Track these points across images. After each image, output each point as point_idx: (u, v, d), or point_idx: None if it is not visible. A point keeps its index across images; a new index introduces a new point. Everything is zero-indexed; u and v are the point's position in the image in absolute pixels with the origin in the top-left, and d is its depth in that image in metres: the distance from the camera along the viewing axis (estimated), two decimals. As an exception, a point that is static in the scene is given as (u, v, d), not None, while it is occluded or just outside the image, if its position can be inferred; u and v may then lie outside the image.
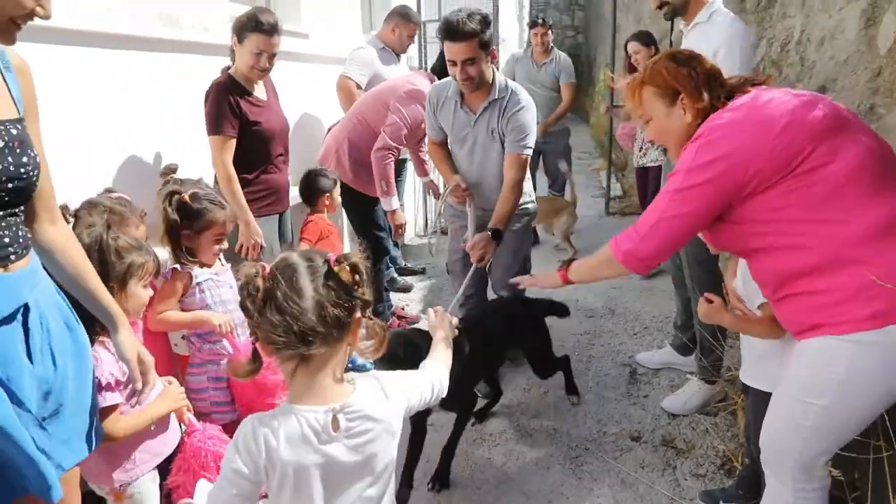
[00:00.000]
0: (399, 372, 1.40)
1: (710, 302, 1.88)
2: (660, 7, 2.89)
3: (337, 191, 3.34)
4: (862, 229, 1.47)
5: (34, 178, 1.33)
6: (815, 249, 1.51)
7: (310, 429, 1.17)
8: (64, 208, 1.96)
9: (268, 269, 1.16)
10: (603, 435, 2.80)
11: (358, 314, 1.21)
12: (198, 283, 2.18)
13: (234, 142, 2.68)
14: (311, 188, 3.29)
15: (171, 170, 2.57)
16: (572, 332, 3.77)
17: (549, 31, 5.28)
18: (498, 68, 5.13)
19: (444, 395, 1.50)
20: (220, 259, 2.30)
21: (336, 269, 1.17)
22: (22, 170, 1.28)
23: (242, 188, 2.72)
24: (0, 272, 1.26)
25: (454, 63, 2.65)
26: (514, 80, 4.98)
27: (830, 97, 1.75)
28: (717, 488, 2.33)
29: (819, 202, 1.50)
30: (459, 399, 2.38)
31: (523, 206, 2.99)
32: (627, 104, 1.91)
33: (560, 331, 3.65)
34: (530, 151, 2.85)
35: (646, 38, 4.55)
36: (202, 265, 2.21)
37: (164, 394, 1.83)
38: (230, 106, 2.66)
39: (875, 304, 1.44)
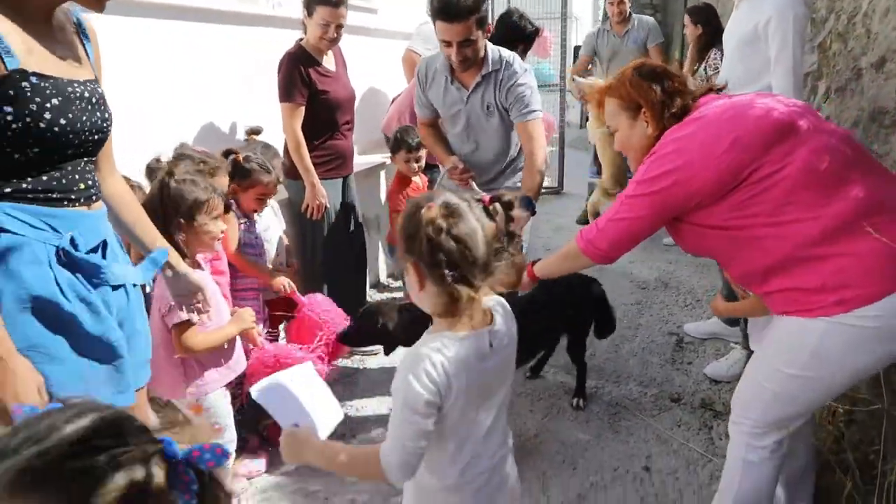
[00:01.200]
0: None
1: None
2: None
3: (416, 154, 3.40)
4: (822, 227, 1.52)
5: (109, 133, 1.51)
6: (779, 250, 1.58)
7: (473, 351, 1.25)
8: (157, 160, 2.23)
9: (433, 207, 1.20)
10: (644, 395, 2.91)
11: (510, 251, 1.27)
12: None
13: (302, 109, 2.89)
14: (397, 140, 3.42)
15: (255, 131, 2.83)
16: (623, 302, 3.85)
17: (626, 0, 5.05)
18: (569, 51, 5.13)
19: None
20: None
21: (490, 208, 1.24)
22: (104, 124, 1.46)
23: (310, 152, 2.93)
24: (86, 209, 1.43)
25: (448, 44, 2.47)
26: (592, 57, 5.19)
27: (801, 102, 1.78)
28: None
29: (778, 205, 1.56)
30: None
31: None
32: (590, 111, 1.98)
33: (610, 300, 3.73)
34: (539, 114, 2.68)
35: (696, 15, 4.44)
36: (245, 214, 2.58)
37: (237, 317, 2.08)
38: (300, 75, 2.86)
39: (842, 292, 1.51)
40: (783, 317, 1.66)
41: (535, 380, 3.09)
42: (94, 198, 1.46)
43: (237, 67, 3.15)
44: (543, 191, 6.70)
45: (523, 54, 3.66)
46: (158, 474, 0.64)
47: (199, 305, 1.78)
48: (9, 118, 1.23)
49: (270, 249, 2.80)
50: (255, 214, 2.68)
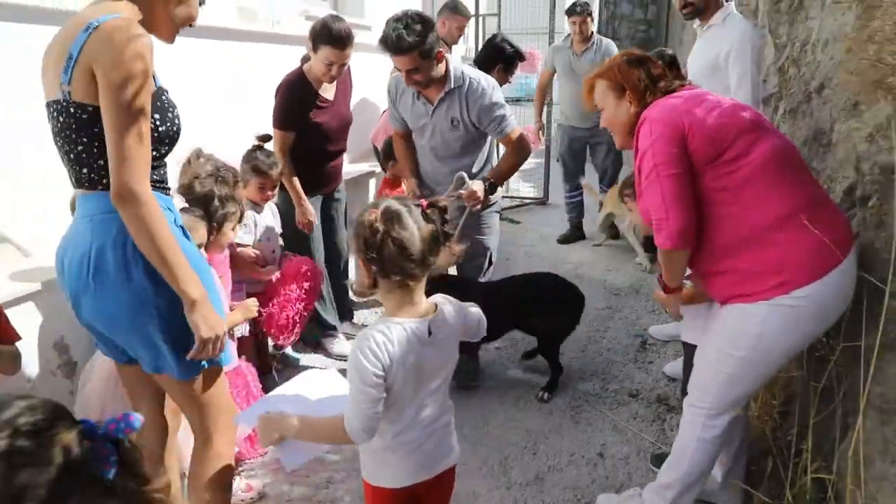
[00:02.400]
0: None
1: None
2: (683, 7, 3.17)
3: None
4: (769, 216, 1.81)
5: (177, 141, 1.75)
6: (733, 230, 1.85)
7: (413, 334, 1.46)
8: (199, 150, 2.49)
9: (380, 214, 1.43)
10: (605, 391, 3.15)
11: (444, 246, 1.51)
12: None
13: (293, 136, 3.09)
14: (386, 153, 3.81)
15: (265, 138, 3.05)
16: (595, 307, 4.09)
17: (589, 20, 5.05)
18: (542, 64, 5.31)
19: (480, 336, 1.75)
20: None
21: (428, 211, 1.48)
22: (177, 134, 1.69)
23: (299, 173, 3.14)
24: (168, 196, 1.70)
25: (399, 70, 2.78)
26: (554, 72, 5.28)
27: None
28: (665, 453, 2.60)
29: (738, 189, 1.83)
30: None
31: (494, 202, 3.09)
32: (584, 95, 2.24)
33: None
34: (513, 124, 2.93)
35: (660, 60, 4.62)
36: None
37: (242, 306, 2.36)
38: (294, 106, 3.04)
39: (781, 275, 1.80)
40: (727, 306, 1.93)
41: (511, 372, 3.34)
42: (168, 190, 1.74)
43: (236, 83, 3.39)
44: (528, 200, 7.00)
45: (505, 73, 3.92)
46: (78, 451, 0.77)
47: None
48: (157, 123, 1.55)
49: (266, 246, 3.05)
50: (257, 212, 2.98)
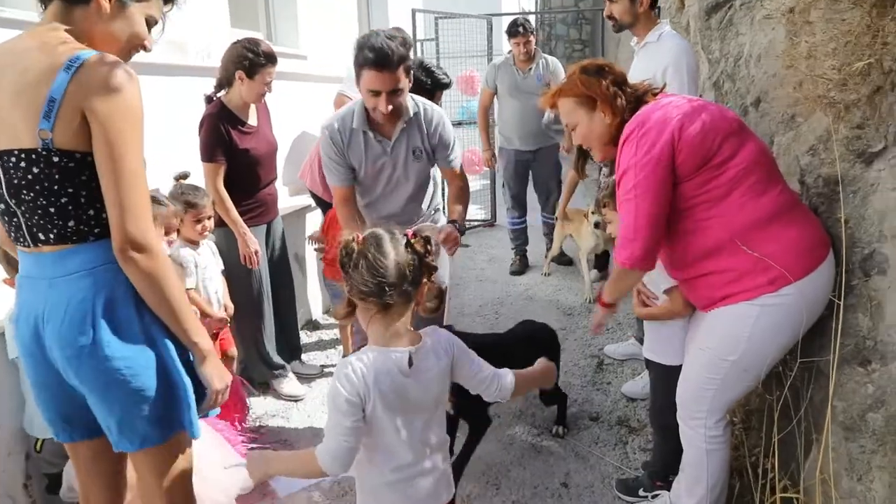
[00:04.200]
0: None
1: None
2: (610, 18, 3.19)
3: None
4: (756, 216, 1.80)
5: None
6: (719, 232, 1.84)
7: (393, 364, 1.45)
8: None
9: (361, 237, 1.44)
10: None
11: (425, 279, 1.48)
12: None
13: (223, 167, 2.99)
14: None
15: (183, 176, 2.92)
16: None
17: (532, 39, 4.90)
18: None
19: (503, 398, 1.66)
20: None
21: (413, 240, 1.45)
22: None
23: (235, 204, 3.04)
24: None
25: (377, 94, 2.39)
26: (496, 92, 5.09)
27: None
28: (631, 477, 2.57)
29: (723, 192, 1.82)
30: (476, 411, 2.52)
31: (436, 216, 2.94)
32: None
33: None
34: (460, 157, 2.84)
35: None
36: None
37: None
38: (221, 136, 2.96)
39: (769, 273, 1.79)
40: (714, 311, 1.90)
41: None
42: None
43: (168, 117, 3.23)
44: (476, 223, 6.97)
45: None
46: None
47: None
48: None
49: (209, 287, 2.90)
50: (195, 250, 2.83)
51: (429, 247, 1.48)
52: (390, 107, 2.42)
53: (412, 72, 2.53)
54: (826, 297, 1.82)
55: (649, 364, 2.39)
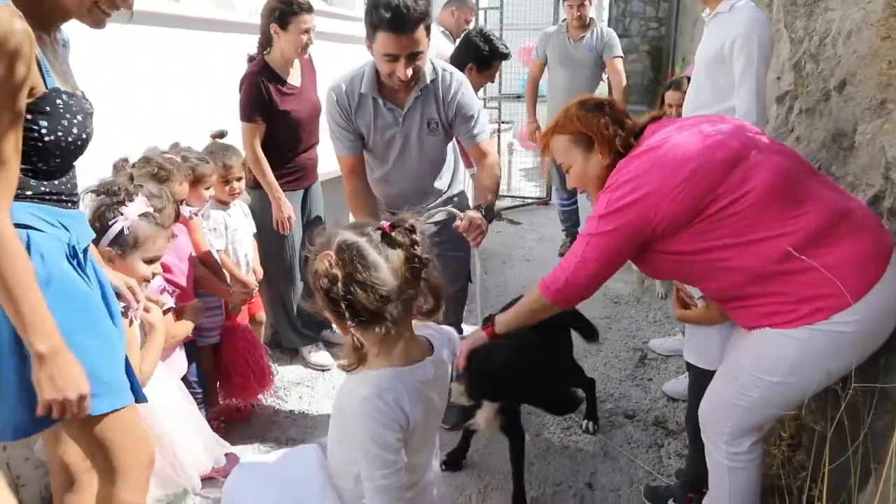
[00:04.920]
0: None
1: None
2: None
3: None
4: (789, 243, 1.56)
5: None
6: (752, 266, 1.61)
7: (419, 382, 1.28)
8: (124, 160, 2.24)
9: (334, 256, 1.19)
10: (598, 410, 2.89)
11: (424, 274, 1.26)
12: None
13: (263, 128, 2.89)
14: None
15: (220, 135, 2.84)
16: (593, 316, 3.80)
17: (587, 4, 4.50)
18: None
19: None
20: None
21: (393, 233, 1.22)
22: (93, 134, 1.49)
23: (272, 167, 2.94)
24: (76, 211, 1.49)
25: (394, 58, 2.15)
26: (546, 62, 4.80)
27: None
28: (662, 486, 2.38)
29: (742, 228, 1.59)
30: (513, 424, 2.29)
31: (457, 202, 2.66)
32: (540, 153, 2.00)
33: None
34: (487, 130, 2.55)
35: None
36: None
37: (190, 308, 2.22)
38: (261, 96, 2.85)
39: (819, 301, 1.56)
40: (759, 330, 1.68)
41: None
42: (77, 201, 1.52)
43: (213, 74, 3.15)
44: (530, 201, 6.75)
45: (479, 73, 3.54)
46: None
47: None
48: (43, 132, 1.32)
49: (238, 250, 2.83)
50: (226, 211, 2.75)
51: (414, 236, 1.24)
52: (410, 72, 2.17)
53: (430, 31, 2.25)
54: (893, 316, 1.57)
55: (689, 365, 2.19)
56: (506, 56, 3.65)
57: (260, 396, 2.90)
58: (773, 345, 1.65)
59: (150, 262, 1.85)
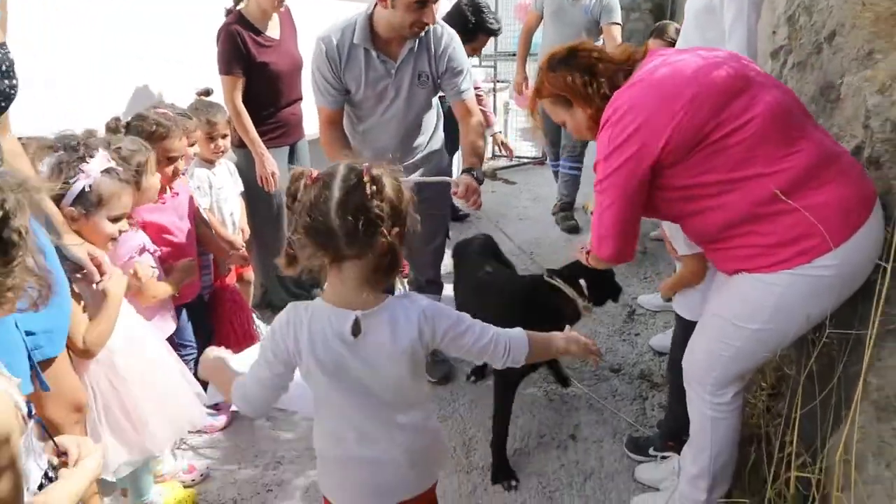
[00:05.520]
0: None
1: None
2: None
3: None
4: (782, 181, 1.54)
5: (13, 100, 1.49)
6: (740, 205, 1.59)
7: (331, 328, 1.23)
8: (117, 119, 2.22)
9: (315, 174, 1.21)
10: (584, 364, 2.93)
11: (386, 232, 1.20)
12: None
13: (242, 81, 2.86)
14: None
15: (206, 92, 2.81)
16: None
17: None
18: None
19: (516, 363, 1.42)
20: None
21: (365, 179, 1.19)
22: (12, 91, 1.46)
23: (254, 123, 2.91)
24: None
25: (424, 3, 2.21)
26: (541, 17, 4.56)
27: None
28: (643, 436, 2.42)
29: (738, 162, 1.56)
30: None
31: (437, 161, 2.69)
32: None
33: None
34: (472, 88, 2.57)
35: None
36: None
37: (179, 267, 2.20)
38: (238, 47, 2.81)
39: (802, 243, 1.55)
40: (739, 275, 1.68)
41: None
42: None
43: (192, 31, 3.10)
44: (525, 160, 6.70)
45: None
46: None
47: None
48: None
49: (224, 208, 2.83)
50: (210, 169, 2.73)
51: (374, 187, 1.18)
52: (432, 18, 2.25)
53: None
54: (871, 263, 1.57)
55: (678, 318, 2.20)
56: (493, 32, 3.55)
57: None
58: (754, 292, 1.64)
59: (116, 220, 1.80)
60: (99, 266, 1.69)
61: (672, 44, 3.52)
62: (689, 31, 2.87)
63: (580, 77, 1.75)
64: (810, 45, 2.96)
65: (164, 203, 2.27)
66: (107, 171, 1.77)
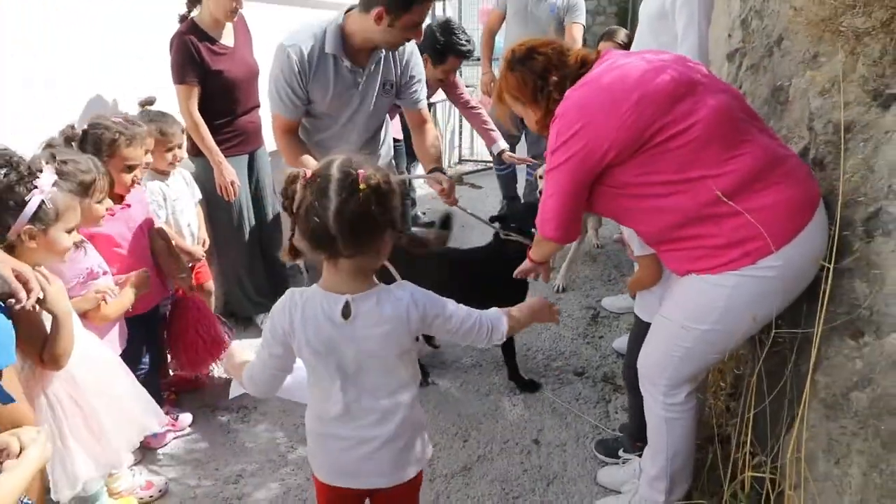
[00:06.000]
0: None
1: None
2: None
3: None
4: (726, 184, 1.57)
5: None
6: (686, 206, 1.62)
7: (322, 311, 1.31)
8: (71, 128, 2.13)
9: (309, 175, 1.26)
10: (548, 369, 2.94)
11: (385, 233, 1.29)
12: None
13: (198, 89, 2.81)
14: None
15: (148, 101, 2.75)
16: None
17: None
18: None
19: (498, 342, 1.50)
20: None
21: (362, 186, 1.22)
22: None
23: (212, 132, 2.87)
24: None
25: (420, 24, 2.24)
26: (503, 16, 4.47)
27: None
28: (612, 437, 2.44)
29: (683, 164, 1.58)
30: None
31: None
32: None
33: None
34: (425, 102, 2.65)
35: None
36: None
37: (133, 279, 2.13)
38: (191, 55, 2.76)
39: (747, 245, 1.57)
40: (688, 277, 1.71)
41: (456, 352, 3.09)
42: None
43: (138, 39, 3.02)
44: (492, 165, 6.70)
45: (433, 66, 3.47)
46: None
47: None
48: None
49: (180, 220, 2.78)
50: (164, 181, 2.68)
51: (370, 192, 1.22)
52: (407, 40, 2.32)
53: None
54: (815, 264, 1.60)
55: (637, 320, 2.22)
56: (463, 54, 3.46)
57: (213, 366, 2.88)
58: (703, 293, 1.67)
59: (70, 231, 1.76)
60: (26, 283, 1.57)
61: (622, 47, 3.56)
62: (643, 35, 2.91)
63: (532, 82, 1.80)
64: (762, 48, 3.02)
65: (113, 215, 2.20)
66: (56, 183, 1.72)
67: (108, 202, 2.06)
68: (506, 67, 1.86)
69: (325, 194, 1.22)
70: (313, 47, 2.29)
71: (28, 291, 1.55)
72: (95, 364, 1.89)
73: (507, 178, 4.93)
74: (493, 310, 1.50)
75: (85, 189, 1.88)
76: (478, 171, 6.58)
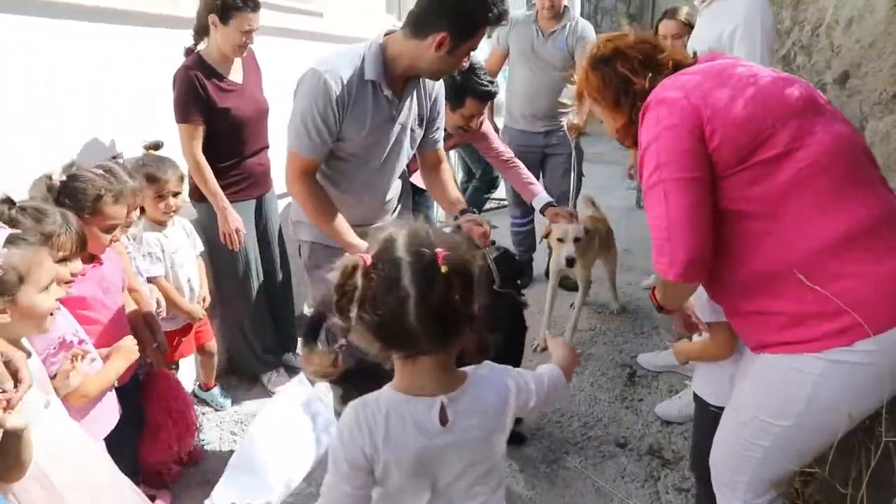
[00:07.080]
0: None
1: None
2: None
3: None
4: (826, 237, 1.30)
5: None
6: (773, 253, 1.35)
7: (411, 420, 1.10)
8: (48, 178, 1.89)
9: (369, 262, 1.04)
10: (587, 439, 2.64)
11: (471, 321, 1.09)
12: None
13: (202, 129, 2.58)
14: None
15: (154, 146, 2.50)
16: (578, 328, 3.58)
17: None
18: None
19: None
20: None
21: (443, 270, 1.02)
22: None
23: (217, 175, 2.63)
24: None
25: (471, 50, 2.02)
26: (507, 55, 4.07)
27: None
28: None
29: (777, 199, 1.32)
30: None
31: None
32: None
33: (562, 323, 3.50)
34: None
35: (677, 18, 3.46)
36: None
37: (120, 349, 1.84)
38: (196, 91, 2.54)
39: (844, 319, 1.28)
40: (764, 356, 1.42)
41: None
42: None
43: (155, 76, 2.81)
44: (506, 203, 6.46)
45: (449, 110, 2.99)
46: None
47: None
48: None
49: (180, 274, 2.52)
50: (161, 232, 2.42)
51: (454, 276, 1.02)
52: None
53: None
54: None
55: (696, 398, 1.94)
56: (483, 96, 2.98)
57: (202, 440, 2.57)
58: (783, 379, 1.38)
59: (46, 288, 1.47)
60: (16, 373, 1.29)
61: (686, 25, 3.30)
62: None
63: (614, 85, 1.57)
64: (813, 86, 2.79)
65: (83, 275, 1.87)
66: (9, 240, 1.40)
67: (78, 265, 1.76)
68: (588, 64, 1.63)
69: (398, 284, 1.01)
70: (353, 74, 1.93)
71: (17, 381, 1.27)
72: (71, 454, 1.60)
73: (527, 234, 4.41)
74: (550, 367, 1.37)
75: (46, 238, 1.60)
76: (492, 209, 6.34)
